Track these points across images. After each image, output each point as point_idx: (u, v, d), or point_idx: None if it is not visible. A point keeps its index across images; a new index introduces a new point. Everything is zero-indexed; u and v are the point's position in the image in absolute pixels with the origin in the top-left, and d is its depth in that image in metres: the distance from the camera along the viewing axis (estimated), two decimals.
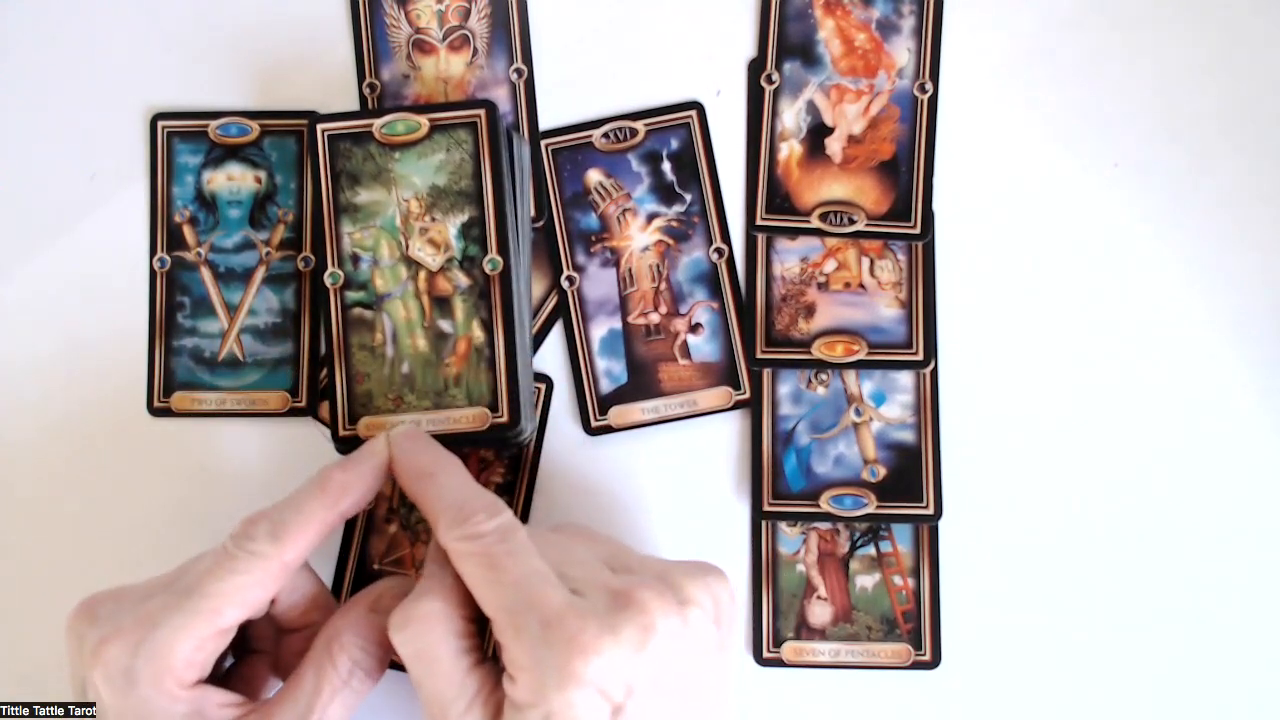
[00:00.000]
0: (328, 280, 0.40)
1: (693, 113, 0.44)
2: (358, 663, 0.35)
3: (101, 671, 0.33)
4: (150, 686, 0.33)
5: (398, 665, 0.42)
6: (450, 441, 0.40)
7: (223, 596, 0.34)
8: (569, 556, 0.35)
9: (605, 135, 0.44)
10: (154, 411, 0.44)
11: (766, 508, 0.43)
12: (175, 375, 0.44)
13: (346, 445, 0.40)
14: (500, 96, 0.45)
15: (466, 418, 0.39)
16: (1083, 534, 0.43)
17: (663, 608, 0.32)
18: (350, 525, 0.43)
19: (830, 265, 0.44)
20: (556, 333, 0.44)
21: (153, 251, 0.44)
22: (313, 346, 0.44)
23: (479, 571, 0.33)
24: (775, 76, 0.44)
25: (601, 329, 0.44)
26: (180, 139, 0.45)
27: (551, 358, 0.44)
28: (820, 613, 0.43)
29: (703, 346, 0.44)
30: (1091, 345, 0.44)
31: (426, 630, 0.33)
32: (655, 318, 0.44)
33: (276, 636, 0.39)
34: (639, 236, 0.44)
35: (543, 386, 0.44)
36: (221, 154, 0.45)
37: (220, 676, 0.38)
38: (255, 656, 0.39)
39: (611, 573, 0.35)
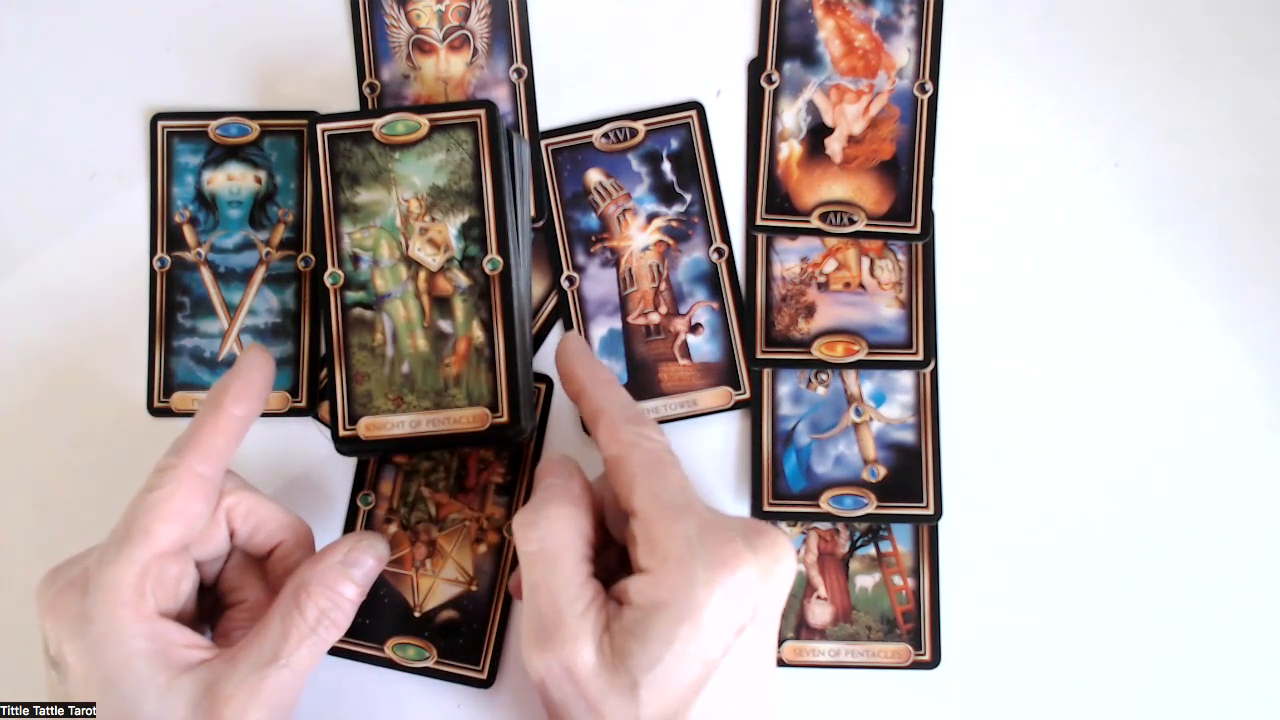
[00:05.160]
0: (328, 280, 0.40)
1: (693, 113, 0.44)
2: (325, 612, 0.36)
3: (58, 622, 0.34)
4: (105, 622, 0.34)
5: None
6: (450, 441, 0.40)
7: (147, 516, 0.35)
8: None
9: (605, 135, 0.44)
10: (154, 411, 0.44)
11: (766, 508, 0.43)
12: (175, 375, 0.44)
13: (347, 445, 0.40)
14: (500, 96, 0.45)
15: (466, 418, 0.39)
16: (1083, 534, 0.43)
17: (788, 546, 0.34)
18: (351, 525, 0.43)
19: (830, 265, 0.44)
20: (556, 333, 0.44)
21: (153, 251, 0.44)
22: (313, 346, 0.44)
23: (648, 465, 0.34)
24: (775, 76, 0.44)
25: (601, 329, 0.44)
26: (180, 139, 0.45)
27: (551, 358, 0.44)
28: (820, 613, 0.43)
29: (703, 346, 0.44)
30: (1091, 345, 0.44)
31: (559, 530, 0.34)
32: (655, 318, 0.44)
33: (261, 588, 0.39)
34: (639, 236, 0.44)
35: (543, 386, 0.44)
36: (221, 154, 0.45)
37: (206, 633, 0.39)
38: (237, 610, 0.39)
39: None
